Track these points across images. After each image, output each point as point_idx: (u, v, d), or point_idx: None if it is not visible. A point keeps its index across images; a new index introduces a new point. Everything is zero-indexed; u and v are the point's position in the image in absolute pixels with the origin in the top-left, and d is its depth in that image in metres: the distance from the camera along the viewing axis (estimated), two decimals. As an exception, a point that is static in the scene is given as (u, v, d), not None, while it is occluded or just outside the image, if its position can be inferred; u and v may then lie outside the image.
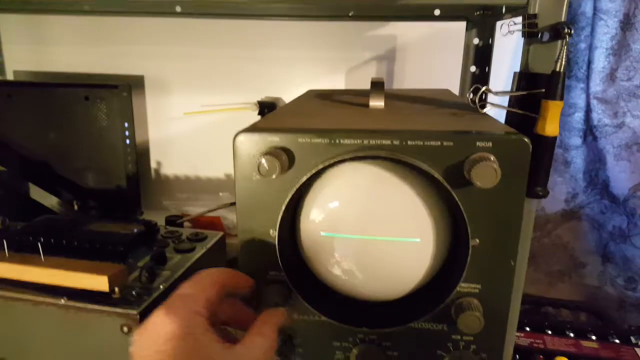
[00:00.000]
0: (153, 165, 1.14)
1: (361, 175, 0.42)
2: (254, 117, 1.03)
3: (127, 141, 1.00)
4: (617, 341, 0.75)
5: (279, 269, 0.44)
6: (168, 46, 1.05)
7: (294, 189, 0.41)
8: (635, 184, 0.85)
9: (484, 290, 0.43)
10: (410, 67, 1.00)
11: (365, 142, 0.41)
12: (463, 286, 0.43)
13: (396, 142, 0.41)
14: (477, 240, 0.41)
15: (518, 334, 0.76)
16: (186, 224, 1.01)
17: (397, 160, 0.40)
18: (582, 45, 0.86)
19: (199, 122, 1.09)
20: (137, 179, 1.05)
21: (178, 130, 1.11)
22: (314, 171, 0.41)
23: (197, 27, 1.02)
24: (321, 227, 0.43)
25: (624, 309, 0.90)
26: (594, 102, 0.85)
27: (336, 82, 1.03)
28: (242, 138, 0.43)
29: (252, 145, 0.43)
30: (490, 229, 0.41)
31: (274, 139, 0.42)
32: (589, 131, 0.88)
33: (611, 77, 0.84)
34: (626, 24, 0.81)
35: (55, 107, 0.98)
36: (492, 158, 0.39)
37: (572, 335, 0.76)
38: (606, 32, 0.82)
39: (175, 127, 1.11)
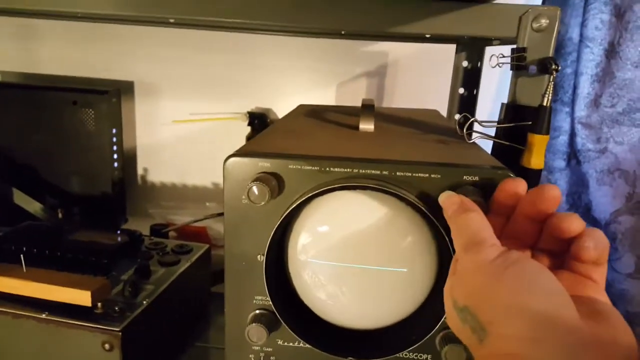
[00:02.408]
0: (140, 171, 1.13)
1: (350, 203, 0.43)
2: (244, 127, 1.03)
3: (115, 147, 0.99)
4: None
5: (265, 294, 0.44)
6: (160, 52, 1.05)
7: (283, 215, 0.42)
8: (616, 209, 0.86)
9: (468, 320, 0.44)
10: (401, 84, 1.01)
11: (355, 170, 0.42)
12: (448, 317, 0.43)
13: (385, 172, 0.41)
14: (462, 272, 0.42)
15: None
16: (171, 233, 1.01)
17: (385, 190, 0.41)
18: (568, 70, 0.88)
19: (187, 130, 1.09)
20: (123, 186, 1.04)
21: (166, 137, 1.11)
22: (302, 199, 0.41)
23: (190, 35, 1.01)
24: (309, 254, 0.44)
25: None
26: (578, 126, 0.86)
27: (327, 95, 1.03)
28: (232, 162, 0.43)
29: (243, 169, 0.43)
30: (475, 260, 0.42)
31: (265, 164, 0.43)
32: (573, 155, 0.90)
33: (595, 103, 0.85)
34: (611, 52, 0.83)
35: (42, 111, 0.98)
36: (478, 192, 0.39)
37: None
38: (591, 59, 0.83)
39: (163, 134, 1.10)
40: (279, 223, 0.42)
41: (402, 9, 0.51)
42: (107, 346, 0.58)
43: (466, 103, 0.79)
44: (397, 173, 0.41)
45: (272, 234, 0.42)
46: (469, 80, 0.79)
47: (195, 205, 1.11)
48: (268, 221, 0.43)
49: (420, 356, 0.45)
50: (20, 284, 0.62)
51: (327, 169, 0.42)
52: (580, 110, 0.86)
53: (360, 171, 0.42)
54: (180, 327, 0.76)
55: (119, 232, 0.81)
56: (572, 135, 0.88)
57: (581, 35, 0.84)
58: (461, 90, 0.80)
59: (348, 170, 0.42)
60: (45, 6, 0.57)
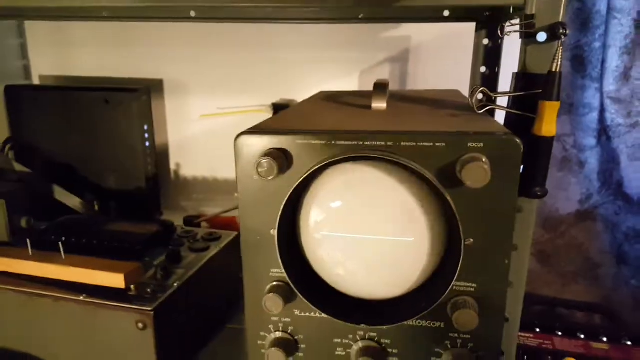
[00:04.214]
0: (172, 166, 1.17)
1: (357, 175, 0.43)
2: (269, 119, 1.05)
3: (147, 143, 1.03)
4: (629, 343, 0.74)
5: (280, 267, 0.45)
6: (185, 50, 1.08)
7: (292, 189, 0.43)
8: (650, 184, 0.84)
9: (479, 288, 0.44)
10: (424, 67, 1.00)
11: (360, 143, 0.43)
12: (458, 285, 0.44)
13: (390, 143, 0.42)
14: (471, 240, 0.42)
15: (527, 334, 0.76)
16: (203, 224, 1.03)
17: (392, 161, 0.41)
18: (597, 45, 0.86)
19: (216, 125, 1.11)
20: (157, 181, 1.08)
21: (196, 132, 1.13)
22: (308, 172, 0.42)
23: (214, 30, 1.04)
24: (319, 227, 0.45)
25: (639, 311, 0.89)
26: (607, 101, 0.84)
27: (350, 83, 1.04)
28: (242, 140, 0.45)
29: (252, 146, 0.44)
30: (483, 228, 0.42)
31: (273, 141, 0.44)
32: (603, 131, 0.87)
33: (625, 76, 0.83)
34: (640, 22, 0.80)
35: (77, 111, 1.02)
36: (484, 159, 0.39)
37: (582, 336, 0.76)
38: (620, 31, 0.81)
39: (193, 129, 1.13)
40: (287, 197, 0.43)
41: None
42: (140, 325, 0.61)
43: (488, 81, 0.78)
44: (402, 143, 0.42)
45: (281, 209, 0.43)
46: (490, 58, 0.78)
47: (226, 197, 1.14)
48: (279, 196, 0.44)
49: (433, 324, 0.46)
50: (59, 270, 0.66)
51: (333, 142, 0.43)
52: (610, 85, 0.84)
53: (365, 143, 0.42)
54: (212, 310, 0.78)
55: (152, 222, 0.84)
56: (602, 111, 0.86)
57: (609, 6, 0.82)
58: (483, 69, 0.79)
59: (353, 142, 0.42)
60: (68, 3, 0.61)
